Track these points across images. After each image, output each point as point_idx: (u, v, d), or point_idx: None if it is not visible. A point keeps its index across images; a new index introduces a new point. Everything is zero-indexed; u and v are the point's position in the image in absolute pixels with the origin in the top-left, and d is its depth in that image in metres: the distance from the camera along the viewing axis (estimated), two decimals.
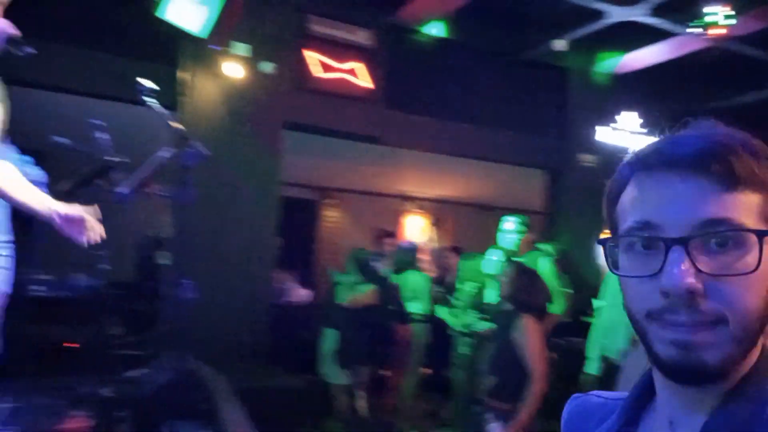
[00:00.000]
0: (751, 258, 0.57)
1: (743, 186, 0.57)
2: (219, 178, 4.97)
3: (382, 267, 5.36)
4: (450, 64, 6.35)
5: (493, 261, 4.04)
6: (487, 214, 8.20)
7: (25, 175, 2.89)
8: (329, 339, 4.93)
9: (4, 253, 2.75)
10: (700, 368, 0.57)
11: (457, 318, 4.68)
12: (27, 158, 2.96)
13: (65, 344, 4.06)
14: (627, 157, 0.65)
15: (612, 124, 6.65)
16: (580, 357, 3.66)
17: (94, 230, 2.03)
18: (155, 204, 4.28)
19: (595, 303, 3.96)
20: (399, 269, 5.26)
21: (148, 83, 2.78)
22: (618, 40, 6.30)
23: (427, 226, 9.73)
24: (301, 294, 6.42)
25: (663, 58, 6.27)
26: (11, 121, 2.86)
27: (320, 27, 5.69)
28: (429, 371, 6.13)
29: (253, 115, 5.31)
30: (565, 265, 4.99)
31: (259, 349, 5.10)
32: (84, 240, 1.99)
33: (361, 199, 9.08)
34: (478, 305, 4.27)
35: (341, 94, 5.75)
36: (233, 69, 5.14)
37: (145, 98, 2.77)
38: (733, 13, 4.98)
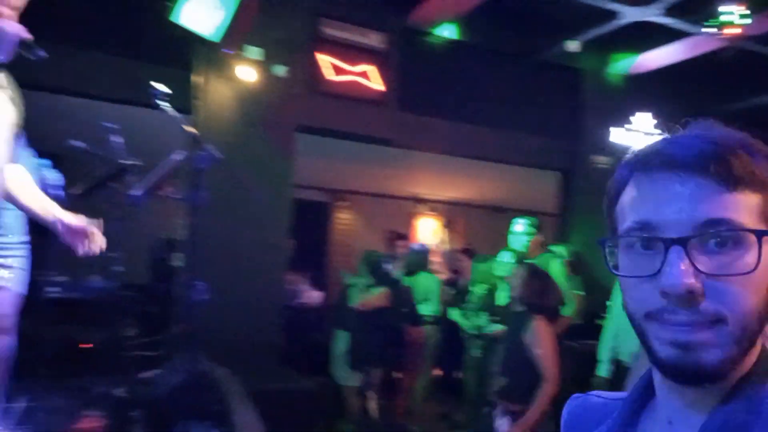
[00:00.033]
0: (750, 258, 0.57)
1: (742, 186, 0.57)
2: (232, 180, 5.00)
3: (394, 269, 5.37)
4: (462, 66, 6.34)
5: (503, 263, 4.03)
6: (500, 216, 8.18)
7: (43, 178, 2.94)
8: (341, 341, 4.94)
9: (20, 254, 2.79)
10: (699, 368, 0.57)
11: (469, 320, 4.67)
12: (44, 161, 3.01)
13: (80, 345, 4.11)
14: (626, 158, 0.65)
15: (626, 125, 6.60)
16: (593, 360, 3.64)
17: (95, 242, 2.06)
18: (169, 206, 4.31)
19: (609, 305, 3.93)
20: (410, 271, 5.26)
21: (161, 87, 2.81)
22: (632, 40, 6.25)
23: (439, 229, 9.72)
24: (313, 296, 6.43)
25: (678, 59, 6.21)
26: (29, 124, 2.90)
27: (332, 30, 5.71)
28: (441, 373, 6.13)
29: (265, 118, 5.34)
30: (577, 266, 4.96)
31: (271, 350, 5.12)
32: (83, 251, 2.02)
33: (373, 201, 9.09)
34: (490, 307, 4.25)
35: (353, 97, 5.77)
36: (246, 72, 5.18)
37: (159, 102, 2.80)
38: (748, 12, 4.91)
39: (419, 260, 5.30)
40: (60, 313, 4.17)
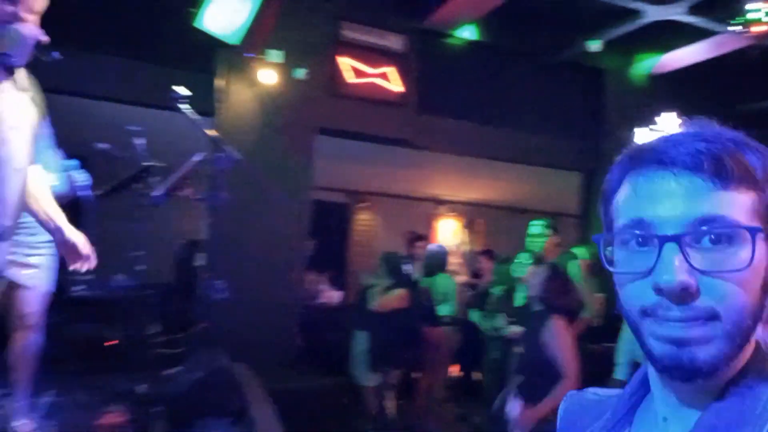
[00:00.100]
0: (744, 255, 0.57)
1: (736, 184, 0.58)
2: (254, 182, 5.07)
3: (414, 270, 5.37)
4: (482, 67, 6.33)
5: (521, 264, 4.02)
6: (521, 217, 8.11)
7: (72, 178, 3.03)
8: (360, 341, 4.96)
9: (47, 254, 2.88)
10: (692, 364, 0.57)
11: (488, 321, 4.66)
12: (73, 163, 3.10)
13: (105, 342, 4.20)
14: (621, 156, 0.66)
15: (651, 126, 6.50)
16: (610, 362, 3.60)
17: (87, 261, 2.12)
18: (192, 207, 4.39)
19: None
20: (429, 272, 5.27)
21: (182, 90, 2.87)
22: (655, 39, 6.16)
23: (460, 230, 9.69)
24: (332, 296, 6.48)
25: (703, 58, 6.11)
26: (57, 127, 3.00)
27: (352, 33, 5.75)
28: (460, 374, 6.12)
29: (286, 121, 5.40)
30: (597, 268, 4.91)
31: (290, 349, 5.17)
32: (73, 266, 2.08)
33: (393, 202, 9.11)
34: (507, 308, 4.24)
35: (373, 99, 5.80)
36: (268, 76, 5.24)
37: (179, 105, 2.87)
38: None
39: (437, 261, 5.30)
40: (85, 311, 4.27)
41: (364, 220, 9.11)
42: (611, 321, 4.61)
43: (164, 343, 4.01)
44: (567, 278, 3.20)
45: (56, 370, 3.31)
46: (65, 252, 2.09)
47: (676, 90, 6.58)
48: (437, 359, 5.13)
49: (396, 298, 4.85)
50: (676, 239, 0.57)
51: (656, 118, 6.52)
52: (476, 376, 5.86)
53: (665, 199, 0.59)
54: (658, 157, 0.60)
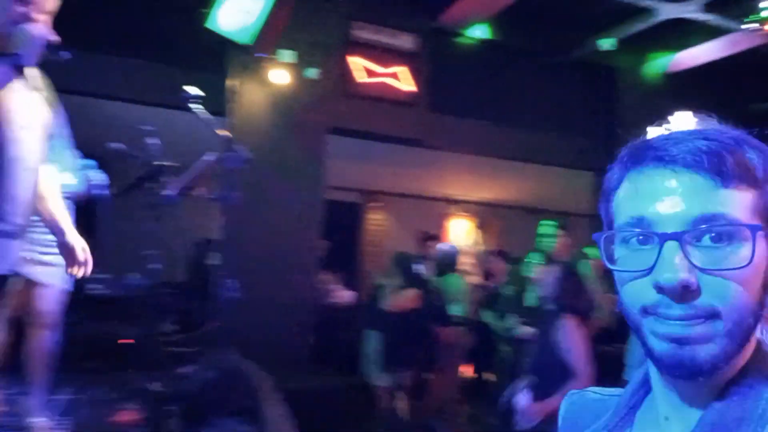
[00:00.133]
0: (745, 253, 0.57)
1: (736, 181, 0.58)
2: (265, 182, 5.10)
3: (425, 270, 5.37)
4: (494, 66, 6.31)
5: (531, 264, 4.01)
6: (534, 217, 8.07)
7: (88, 178, 3.07)
8: (372, 341, 4.96)
9: None
10: (693, 363, 0.57)
11: (501, 322, 4.64)
12: (89, 162, 3.14)
13: (120, 341, 4.25)
14: (622, 154, 0.66)
15: (665, 125, 6.44)
16: (621, 364, 3.58)
17: (81, 266, 2.14)
18: (206, 207, 4.43)
19: None
20: (440, 272, 5.26)
21: (193, 90, 2.90)
22: (669, 38, 6.11)
23: (472, 230, 9.67)
24: (344, 295, 6.49)
25: (717, 56, 6.04)
26: (73, 128, 3.04)
27: (363, 32, 5.76)
28: (472, 375, 6.10)
29: (298, 121, 5.43)
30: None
31: (302, 348, 5.19)
32: (70, 270, 2.11)
33: (405, 202, 9.11)
34: (519, 309, 4.23)
35: (385, 99, 5.80)
36: (279, 76, 5.27)
37: (190, 104, 2.89)
38: None
39: (448, 261, 5.30)
40: (101, 310, 4.32)
41: (376, 219, 9.12)
42: (623, 322, 4.57)
43: (178, 341, 4.05)
44: (580, 278, 3.19)
45: (72, 367, 3.35)
46: (64, 254, 2.11)
47: (690, 89, 6.51)
48: (449, 359, 5.12)
49: (407, 298, 4.85)
50: (677, 237, 0.57)
51: (669, 117, 6.46)
52: (488, 376, 5.85)
53: (666, 197, 0.59)
54: (659, 154, 0.61)
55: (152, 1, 5.15)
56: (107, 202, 3.16)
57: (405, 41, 5.89)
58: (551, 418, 2.74)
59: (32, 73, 1.92)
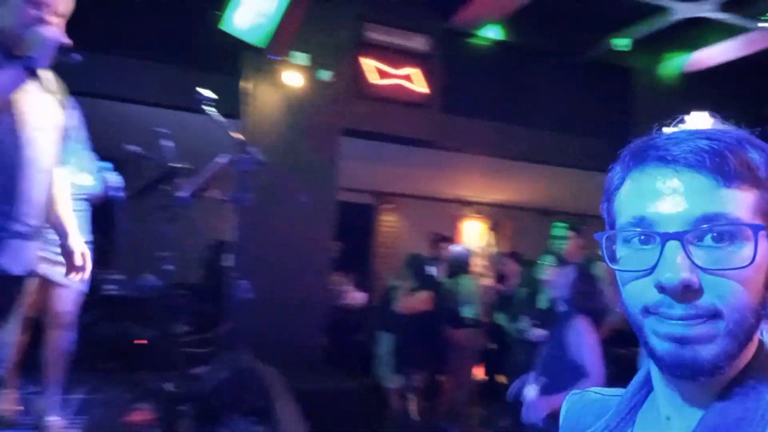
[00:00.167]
0: (746, 252, 0.57)
1: (738, 181, 0.58)
2: (279, 183, 5.12)
3: (437, 272, 5.36)
4: (507, 67, 6.28)
5: (544, 266, 3.99)
6: (548, 219, 8.03)
7: (105, 180, 3.10)
8: (384, 342, 4.97)
9: None
10: (695, 362, 0.57)
11: (514, 324, 4.62)
12: (106, 164, 3.18)
13: (135, 341, 4.29)
14: (623, 154, 0.66)
15: (681, 125, 6.37)
16: (634, 367, 3.54)
17: (78, 272, 2.16)
18: (219, 208, 4.46)
19: None
20: (452, 273, 5.25)
21: (206, 92, 2.92)
22: (685, 37, 6.04)
23: (485, 231, 9.63)
24: (356, 297, 6.50)
25: (734, 56, 5.97)
26: (90, 130, 3.08)
27: (377, 34, 5.77)
28: (485, 377, 6.07)
29: (311, 122, 5.45)
30: None
31: (314, 350, 5.21)
32: (68, 273, 2.12)
33: (418, 203, 9.10)
34: (531, 311, 4.21)
35: (397, 100, 5.81)
36: (293, 78, 5.30)
37: (204, 107, 2.91)
38: None
39: (460, 262, 5.28)
40: (116, 310, 4.36)
41: (388, 221, 9.12)
42: None
43: (192, 342, 4.08)
44: (594, 280, 3.16)
45: (87, 368, 3.39)
46: (64, 257, 2.13)
47: (707, 89, 6.44)
48: (461, 361, 5.11)
49: (420, 300, 4.85)
50: (679, 237, 0.57)
51: (686, 118, 6.39)
52: (501, 379, 5.81)
53: (667, 197, 0.59)
54: (661, 154, 0.61)
55: (167, 4, 5.21)
56: (123, 204, 3.19)
57: (418, 42, 5.89)
58: (557, 415, 2.73)
59: (46, 75, 1.94)
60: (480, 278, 5.97)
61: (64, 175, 2.18)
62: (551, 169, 6.92)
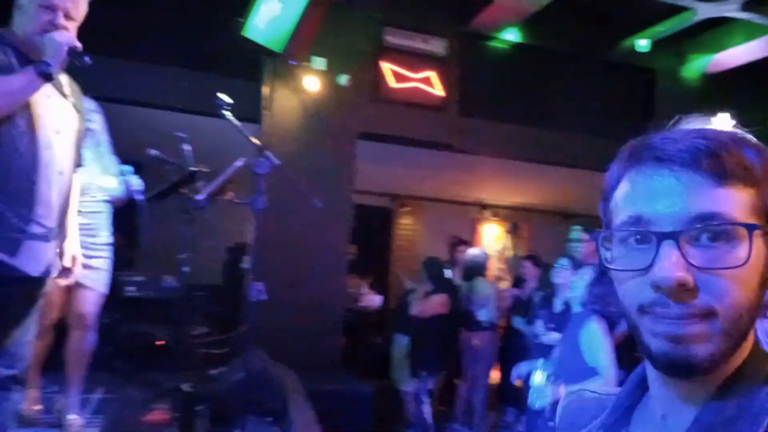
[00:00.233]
0: (742, 252, 0.57)
1: (734, 181, 0.58)
2: (295, 186, 5.15)
3: (454, 275, 5.35)
4: (526, 69, 6.25)
5: (560, 270, 3.96)
6: (567, 221, 7.97)
7: (128, 183, 3.16)
8: (401, 345, 4.97)
9: (105, 256, 3.01)
10: (690, 361, 0.57)
11: (531, 327, 4.59)
12: (128, 168, 3.24)
13: (154, 342, 4.35)
14: (620, 153, 0.66)
15: (678, 126, 6.27)
16: None
17: (64, 273, 2.19)
18: (239, 211, 4.51)
19: None
20: (468, 276, 5.24)
21: (225, 97, 2.96)
22: (708, 37, 5.95)
23: (503, 234, 9.58)
24: (373, 299, 6.51)
25: (758, 56, 5.86)
26: (112, 134, 3.14)
27: (394, 38, 5.79)
28: (500, 380, 6.03)
29: (329, 126, 5.48)
30: None
31: (330, 352, 5.23)
32: (57, 274, 2.15)
33: (435, 206, 9.09)
34: (549, 315, 4.17)
35: (415, 103, 5.81)
36: (311, 82, 5.34)
37: (223, 111, 2.95)
38: None
39: (476, 265, 5.27)
40: (135, 311, 4.43)
41: (406, 224, 9.12)
42: None
43: (210, 343, 4.13)
44: (610, 283, 3.13)
45: (107, 368, 3.45)
46: (61, 260, 2.17)
47: (730, 90, 6.33)
48: (477, 365, 5.09)
49: (436, 303, 4.84)
50: (674, 236, 0.57)
51: (711, 119, 6.29)
52: (517, 382, 5.77)
53: (663, 196, 0.59)
54: (657, 154, 0.61)
55: (188, 10, 5.28)
56: (144, 207, 3.24)
57: (436, 46, 5.89)
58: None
59: (62, 79, 1.98)
60: (496, 281, 5.93)
61: (81, 178, 2.23)
62: (570, 172, 6.85)
